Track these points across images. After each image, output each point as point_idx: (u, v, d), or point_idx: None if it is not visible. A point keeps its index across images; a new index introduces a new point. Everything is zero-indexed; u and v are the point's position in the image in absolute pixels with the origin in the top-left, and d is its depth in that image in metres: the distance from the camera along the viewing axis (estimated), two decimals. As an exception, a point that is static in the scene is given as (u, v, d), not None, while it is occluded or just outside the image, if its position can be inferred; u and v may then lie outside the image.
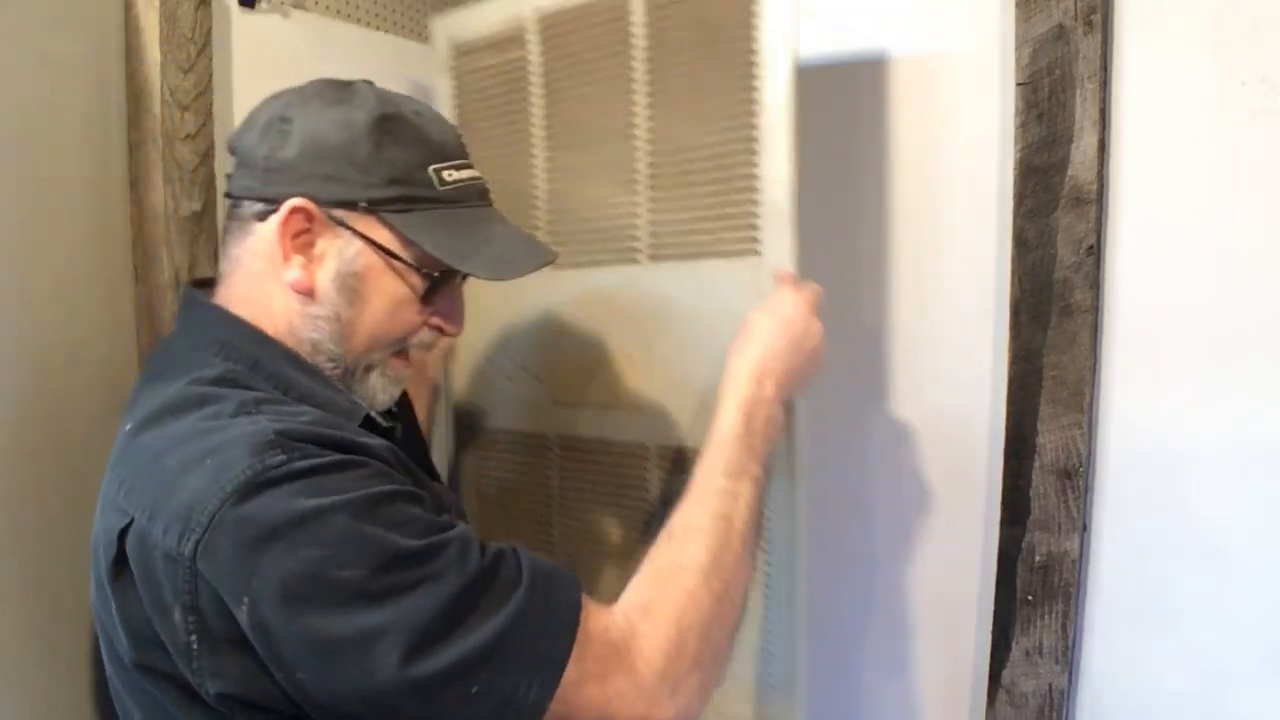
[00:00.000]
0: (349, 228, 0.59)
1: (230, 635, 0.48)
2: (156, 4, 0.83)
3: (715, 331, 0.78)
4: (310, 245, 0.59)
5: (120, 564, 0.51)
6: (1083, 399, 0.80)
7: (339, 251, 0.59)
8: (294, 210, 0.57)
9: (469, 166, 0.65)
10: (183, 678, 0.50)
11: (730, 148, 0.77)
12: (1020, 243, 0.83)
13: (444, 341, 0.69)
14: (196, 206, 0.87)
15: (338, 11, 1.13)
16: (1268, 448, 0.74)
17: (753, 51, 0.74)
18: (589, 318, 0.90)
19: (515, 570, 0.52)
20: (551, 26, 0.88)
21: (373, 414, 0.61)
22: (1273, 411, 0.74)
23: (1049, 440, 0.82)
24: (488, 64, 0.94)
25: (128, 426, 0.56)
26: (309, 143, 0.58)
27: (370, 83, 0.64)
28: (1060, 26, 0.80)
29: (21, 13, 0.75)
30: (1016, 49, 0.82)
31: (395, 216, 0.59)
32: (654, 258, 0.84)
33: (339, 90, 0.61)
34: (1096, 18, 0.78)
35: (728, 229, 0.78)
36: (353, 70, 1.07)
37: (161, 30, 0.84)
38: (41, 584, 0.77)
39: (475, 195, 0.65)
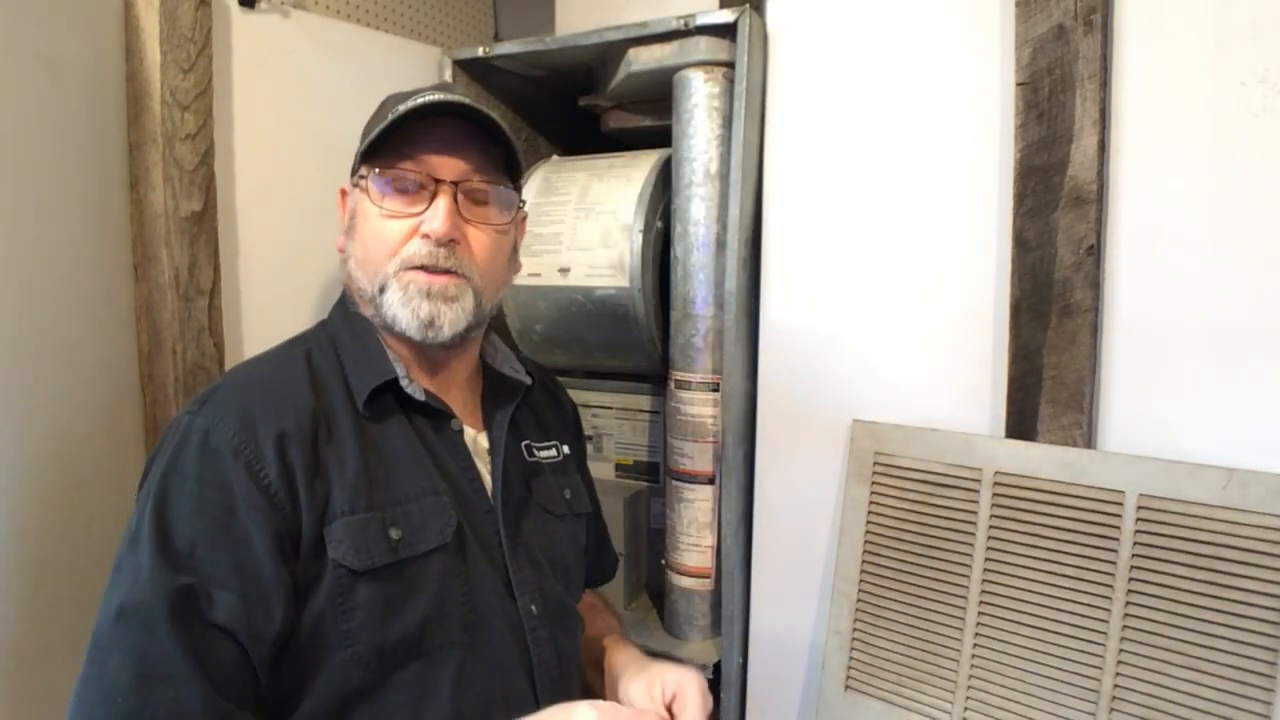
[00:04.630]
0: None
1: None
2: (156, 4, 0.83)
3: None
4: None
5: None
6: (1083, 399, 0.80)
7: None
8: None
9: (435, 93, 0.69)
10: None
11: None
12: (1020, 243, 0.83)
13: None
14: (196, 206, 0.87)
15: (338, 11, 1.13)
16: (1268, 448, 0.74)
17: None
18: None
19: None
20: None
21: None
22: (1273, 411, 0.74)
23: (1049, 440, 0.82)
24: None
25: None
26: None
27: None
28: (1060, 26, 0.80)
29: (21, 13, 0.75)
30: (1016, 49, 0.82)
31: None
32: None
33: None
34: (1096, 18, 0.78)
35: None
36: (352, 70, 1.08)
37: (161, 30, 0.84)
38: (40, 583, 0.77)
39: (429, 107, 0.68)
